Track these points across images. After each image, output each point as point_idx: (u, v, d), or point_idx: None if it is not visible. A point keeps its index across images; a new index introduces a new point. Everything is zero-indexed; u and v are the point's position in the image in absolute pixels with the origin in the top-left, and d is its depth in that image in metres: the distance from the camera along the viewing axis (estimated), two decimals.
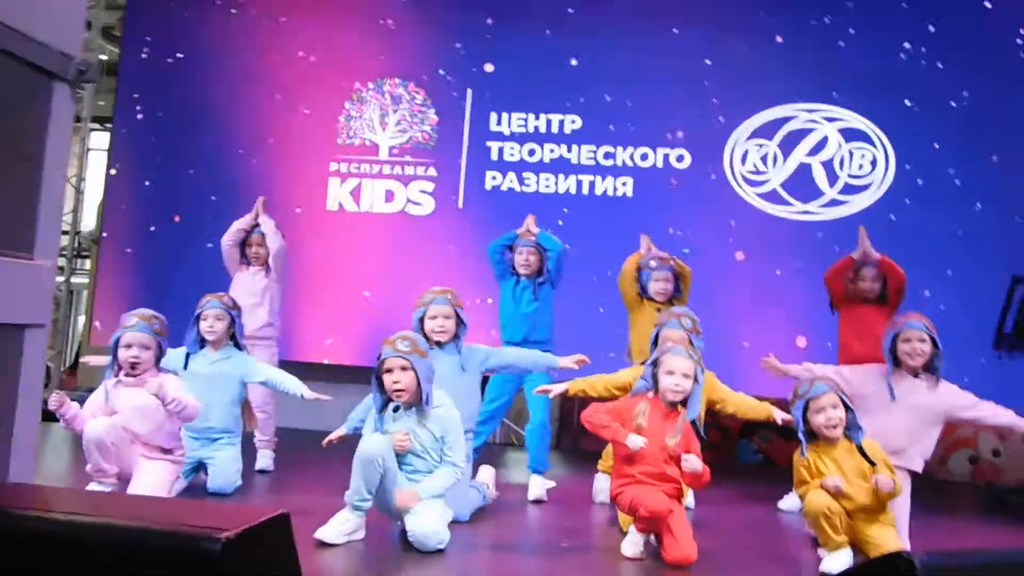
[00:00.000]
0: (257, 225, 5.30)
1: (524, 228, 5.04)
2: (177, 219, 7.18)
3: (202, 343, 4.53)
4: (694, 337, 4.17)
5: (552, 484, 4.87)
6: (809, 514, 3.62)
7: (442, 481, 3.58)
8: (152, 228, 7.26)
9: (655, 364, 3.73)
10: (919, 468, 4.13)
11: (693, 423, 3.66)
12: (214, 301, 4.53)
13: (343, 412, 4.07)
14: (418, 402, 3.59)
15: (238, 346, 4.58)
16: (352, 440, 3.70)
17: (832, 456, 3.69)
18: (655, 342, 4.18)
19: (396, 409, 3.61)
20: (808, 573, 3.56)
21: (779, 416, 4.00)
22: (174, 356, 4.43)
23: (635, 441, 3.55)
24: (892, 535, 3.66)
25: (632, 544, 3.58)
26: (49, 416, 6.57)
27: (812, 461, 3.71)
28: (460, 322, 4.21)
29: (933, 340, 4.17)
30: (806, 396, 3.73)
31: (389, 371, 3.56)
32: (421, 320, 4.18)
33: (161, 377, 3.97)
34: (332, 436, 3.99)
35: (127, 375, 3.97)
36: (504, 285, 5.03)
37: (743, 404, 4.20)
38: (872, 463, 3.64)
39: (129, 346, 3.94)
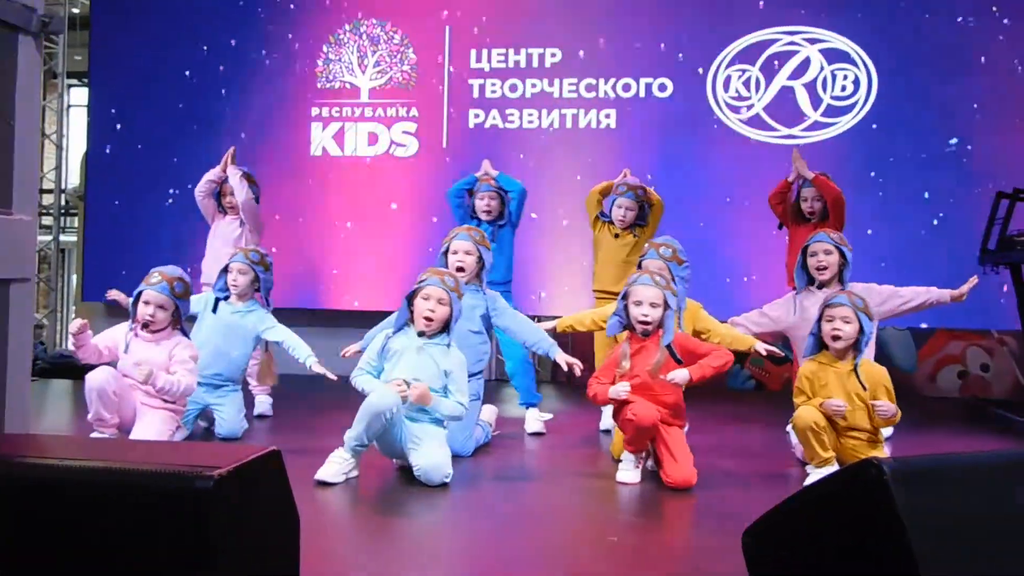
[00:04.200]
0: (227, 177, 5.30)
1: (483, 172, 5.03)
2: (162, 176, 7.15)
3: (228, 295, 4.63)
4: (675, 266, 4.16)
5: (549, 416, 4.94)
6: (797, 427, 3.66)
7: (448, 407, 3.61)
8: (136, 181, 7.22)
9: (625, 297, 3.74)
10: None
11: (669, 347, 3.66)
12: (239, 255, 4.61)
13: (337, 357, 4.13)
14: (436, 335, 3.65)
15: (267, 301, 4.66)
16: (344, 385, 3.77)
17: (836, 371, 3.70)
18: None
19: (420, 334, 3.66)
20: (796, 489, 3.62)
21: (762, 347, 4.03)
22: (203, 299, 4.59)
23: (618, 391, 3.58)
24: (881, 454, 3.71)
25: (626, 471, 3.64)
26: (44, 372, 6.66)
27: (814, 374, 3.73)
28: (481, 262, 4.24)
29: (841, 251, 4.25)
30: (826, 302, 3.75)
31: (427, 298, 3.62)
32: (445, 254, 4.25)
33: (173, 341, 4.04)
34: (349, 350, 4.11)
35: (143, 329, 4.04)
36: None
37: (727, 335, 4.18)
38: (864, 387, 3.63)
39: (147, 303, 4.02)
